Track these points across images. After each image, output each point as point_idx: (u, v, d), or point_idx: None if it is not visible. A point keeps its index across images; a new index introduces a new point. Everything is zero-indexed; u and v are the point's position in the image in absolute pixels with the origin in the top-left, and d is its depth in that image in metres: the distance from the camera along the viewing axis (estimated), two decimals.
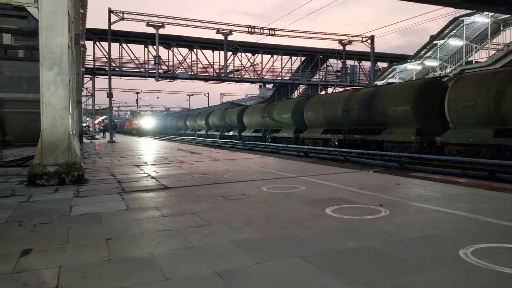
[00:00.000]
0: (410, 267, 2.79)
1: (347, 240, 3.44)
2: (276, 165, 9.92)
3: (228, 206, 4.93)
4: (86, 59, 33.72)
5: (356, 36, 41.16)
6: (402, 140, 14.65)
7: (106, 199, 5.55)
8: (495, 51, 24.24)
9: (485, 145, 11.80)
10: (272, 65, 41.78)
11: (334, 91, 40.34)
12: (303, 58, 44.20)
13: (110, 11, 29.58)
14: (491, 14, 24.25)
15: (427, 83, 15.01)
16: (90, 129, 48.74)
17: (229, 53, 38.68)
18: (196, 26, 35.49)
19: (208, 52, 38.99)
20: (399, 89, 15.66)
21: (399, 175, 7.91)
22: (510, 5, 17.46)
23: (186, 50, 38.37)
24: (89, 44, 34.11)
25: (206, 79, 39.53)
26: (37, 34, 7.24)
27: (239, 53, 39.62)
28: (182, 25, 35.12)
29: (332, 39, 40.77)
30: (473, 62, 24.36)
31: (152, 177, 7.90)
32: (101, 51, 35.39)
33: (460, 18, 26.21)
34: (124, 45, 35.97)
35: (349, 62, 44.90)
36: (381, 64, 46.14)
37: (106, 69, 31.67)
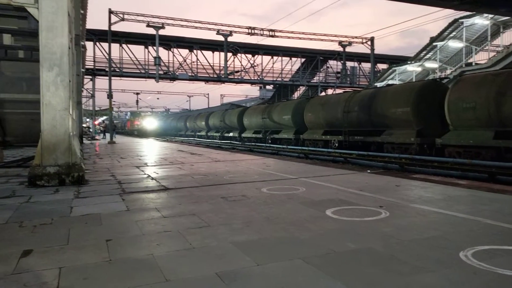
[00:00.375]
0: (410, 269, 2.79)
1: (348, 241, 3.44)
2: (276, 167, 9.92)
3: (229, 208, 4.93)
4: (86, 59, 33.70)
5: (356, 37, 41.20)
6: (402, 141, 14.66)
7: (106, 200, 5.55)
8: (495, 53, 24.25)
9: (485, 147, 11.80)
10: (272, 66, 41.79)
11: (334, 92, 40.34)
12: (303, 60, 44.20)
13: (110, 12, 29.60)
14: (490, 16, 24.28)
15: (427, 84, 15.02)
16: (90, 130, 48.73)
17: (229, 54, 38.68)
18: (196, 27, 35.53)
19: (208, 53, 39.00)
20: (399, 90, 15.67)
21: (399, 176, 7.90)
22: (509, 7, 17.48)
23: (186, 51, 38.37)
24: (89, 44, 34.13)
25: (206, 80, 39.51)
26: (37, 34, 7.25)
27: (239, 54, 39.62)
28: (182, 26, 35.16)
29: (332, 41, 40.80)
30: (473, 64, 24.39)
31: (152, 178, 7.90)
32: (101, 51, 35.39)
33: (460, 20, 26.25)
34: (124, 46, 35.97)
35: (349, 64, 44.93)
36: (381, 66, 46.13)
37: (106, 70, 31.67)
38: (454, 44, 27.56)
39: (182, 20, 35.02)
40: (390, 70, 34.01)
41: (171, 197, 5.82)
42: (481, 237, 3.50)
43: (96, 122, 60.45)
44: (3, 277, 2.71)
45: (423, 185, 6.54)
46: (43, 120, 7.07)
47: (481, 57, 26.22)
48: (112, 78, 30.33)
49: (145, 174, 8.72)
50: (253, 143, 26.41)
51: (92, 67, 35.28)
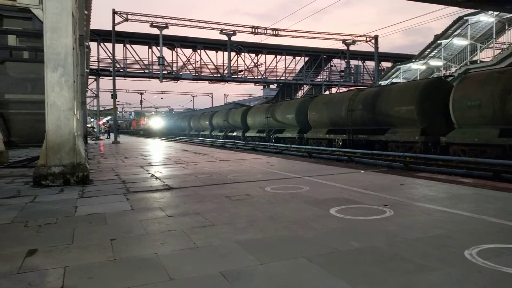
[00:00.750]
0: (415, 267, 2.78)
1: (352, 240, 3.43)
2: (280, 166, 9.91)
3: (232, 207, 4.93)
4: (91, 60, 33.86)
5: (360, 36, 41.05)
6: (406, 140, 14.60)
7: (111, 200, 5.57)
8: (500, 51, 24.09)
9: (490, 145, 11.73)
10: (276, 65, 41.74)
11: (338, 91, 40.29)
12: (306, 58, 44.10)
13: (114, 12, 29.70)
14: (495, 13, 24.11)
15: (431, 82, 14.95)
16: (95, 130, 48.92)
17: (233, 54, 38.68)
18: (199, 27, 35.56)
19: (211, 53, 39.05)
20: (403, 89, 15.61)
21: (403, 175, 7.88)
22: None
23: (190, 50, 38.41)
24: (93, 45, 34.25)
25: (210, 79, 39.55)
26: (41, 35, 7.29)
27: (243, 54, 39.62)
28: (185, 26, 35.20)
29: (336, 39, 40.70)
30: (478, 61, 24.26)
31: (157, 178, 7.92)
32: (106, 52, 35.51)
33: (465, 18, 26.09)
34: (128, 46, 36.07)
35: (353, 62, 44.77)
36: (385, 64, 45.99)
37: (111, 70, 31.79)
38: (459, 42, 27.41)
39: (185, 20, 35.09)
40: (394, 69, 33.90)
41: (175, 196, 5.84)
42: (486, 236, 3.49)
43: (101, 122, 60.62)
44: (8, 276, 2.73)
45: (428, 184, 6.51)
46: (47, 120, 7.10)
47: (486, 55, 26.10)
48: (116, 78, 30.45)
49: (149, 173, 8.74)
50: (257, 142, 26.41)
51: (96, 67, 35.41)
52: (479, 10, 23.23)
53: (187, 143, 29.32)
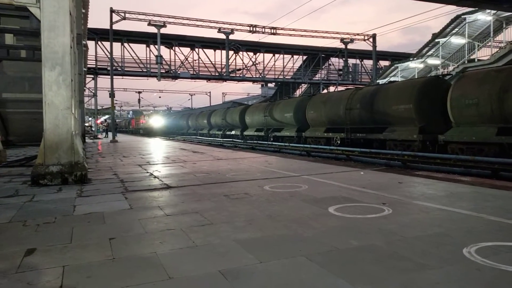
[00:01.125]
0: (414, 266, 2.78)
1: (351, 239, 3.43)
2: (278, 164, 9.91)
3: (231, 205, 4.93)
4: (88, 59, 33.74)
5: (358, 34, 41.09)
6: (404, 138, 14.62)
7: (109, 199, 5.56)
8: (497, 49, 24.14)
9: (488, 143, 11.76)
10: (274, 64, 41.77)
11: (336, 89, 40.29)
12: (305, 57, 44.12)
13: (112, 11, 29.58)
14: (493, 11, 24.16)
15: (429, 81, 14.97)
16: (93, 129, 48.78)
17: (231, 52, 38.65)
18: (197, 26, 35.51)
19: (209, 52, 39.01)
20: (401, 87, 15.62)
21: (402, 173, 7.89)
22: None
23: (188, 49, 38.38)
24: (91, 44, 34.14)
25: (208, 78, 39.52)
26: (39, 34, 7.27)
27: (241, 52, 39.59)
28: (183, 24, 35.13)
29: (334, 38, 40.70)
30: (476, 60, 24.29)
31: (155, 177, 7.91)
32: (103, 51, 35.46)
33: (462, 16, 26.14)
34: (126, 44, 36.00)
35: (351, 61, 44.84)
36: (383, 63, 46.06)
37: (108, 68, 31.70)
38: (457, 41, 27.46)
39: (183, 19, 35.04)
40: (392, 67, 33.92)
41: (174, 195, 5.83)
42: (484, 234, 3.49)
43: (99, 121, 60.47)
44: (7, 276, 2.72)
45: (426, 182, 6.52)
46: (45, 119, 7.08)
47: (483, 53, 26.17)
48: (114, 77, 30.35)
49: (147, 172, 8.73)
50: (255, 141, 26.39)
51: (94, 66, 35.35)
52: (477, 8, 23.27)
53: (185, 142, 29.29)
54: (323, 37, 40.17)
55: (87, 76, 34.80)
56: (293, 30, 38.61)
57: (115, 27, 29.81)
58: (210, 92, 74.63)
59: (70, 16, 7.58)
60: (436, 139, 13.47)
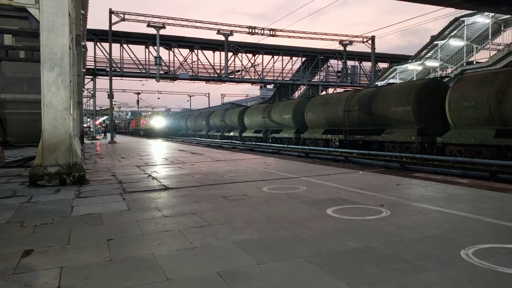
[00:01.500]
0: (411, 267, 2.79)
1: (349, 240, 3.44)
2: (277, 166, 9.92)
3: (229, 207, 4.93)
4: (87, 60, 33.73)
5: (356, 36, 41.15)
6: (403, 140, 14.65)
7: (107, 200, 5.56)
8: (496, 52, 24.22)
9: (486, 145, 11.79)
10: (273, 65, 41.78)
11: (335, 91, 40.34)
12: (303, 59, 44.15)
13: (111, 12, 29.60)
14: (492, 14, 24.24)
15: (428, 83, 15.01)
16: (91, 130, 48.65)
17: (230, 54, 38.67)
18: (196, 27, 35.50)
19: (208, 53, 38.99)
20: (400, 89, 15.66)
21: (400, 175, 7.90)
22: (510, 5, 17.44)
23: (187, 50, 38.37)
24: (90, 45, 34.13)
25: (207, 79, 39.52)
26: (38, 35, 7.26)
27: (240, 54, 39.61)
28: (182, 25, 35.13)
29: (333, 40, 40.75)
30: (474, 62, 24.35)
31: (153, 178, 7.91)
32: (102, 52, 35.41)
33: (461, 19, 26.20)
34: (125, 45, 35.98)
35: (350, 63, 44.89)
36: (382, 65, 46.09)
37: (107, 69, 31.69)
38: (455, 43, 27.52)
39: (182, 20, 35.02)
40: (391, 69, 33.98)
41: (172, 196, 5.83)
42: (482, 236, 3.50)
43: (97, 122, 60.35)
44: (4, 277, 2.72)
45: (424, 184, 6.53)
46: (44, 120, 7.08)
47: (482, 56, 26.20)
48: (113, 78, 30.33)
49: (146, 173, 8.72)
50: (254, 143, 26.41)
51: (93, 67, 35.30)
52: (475, 11, 23.34)
53: (184, 143, 29.27)
54: (322, 39, 40.23)
55: (86, 77, 34.77)
56: (292, 32, 38.65)
57: (114, 28, 29.82)
58: (209, 94, 74.70)
59: (69, 17, 7.58)
60: (434, 141, 13.51)
